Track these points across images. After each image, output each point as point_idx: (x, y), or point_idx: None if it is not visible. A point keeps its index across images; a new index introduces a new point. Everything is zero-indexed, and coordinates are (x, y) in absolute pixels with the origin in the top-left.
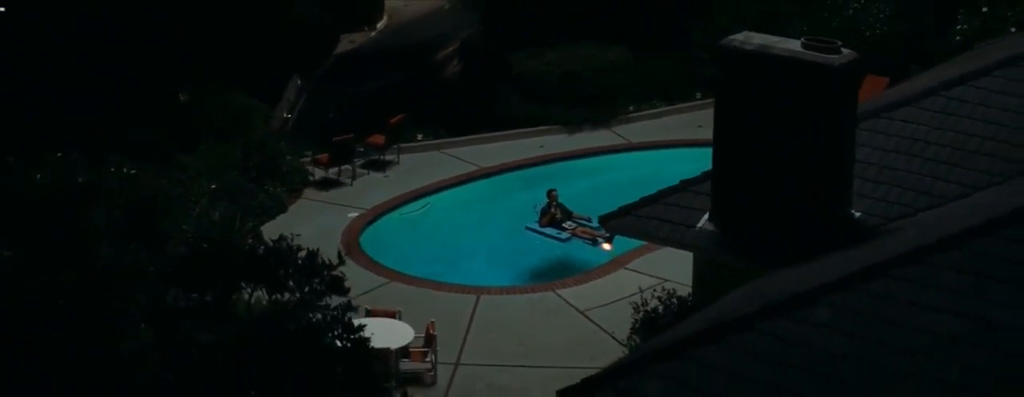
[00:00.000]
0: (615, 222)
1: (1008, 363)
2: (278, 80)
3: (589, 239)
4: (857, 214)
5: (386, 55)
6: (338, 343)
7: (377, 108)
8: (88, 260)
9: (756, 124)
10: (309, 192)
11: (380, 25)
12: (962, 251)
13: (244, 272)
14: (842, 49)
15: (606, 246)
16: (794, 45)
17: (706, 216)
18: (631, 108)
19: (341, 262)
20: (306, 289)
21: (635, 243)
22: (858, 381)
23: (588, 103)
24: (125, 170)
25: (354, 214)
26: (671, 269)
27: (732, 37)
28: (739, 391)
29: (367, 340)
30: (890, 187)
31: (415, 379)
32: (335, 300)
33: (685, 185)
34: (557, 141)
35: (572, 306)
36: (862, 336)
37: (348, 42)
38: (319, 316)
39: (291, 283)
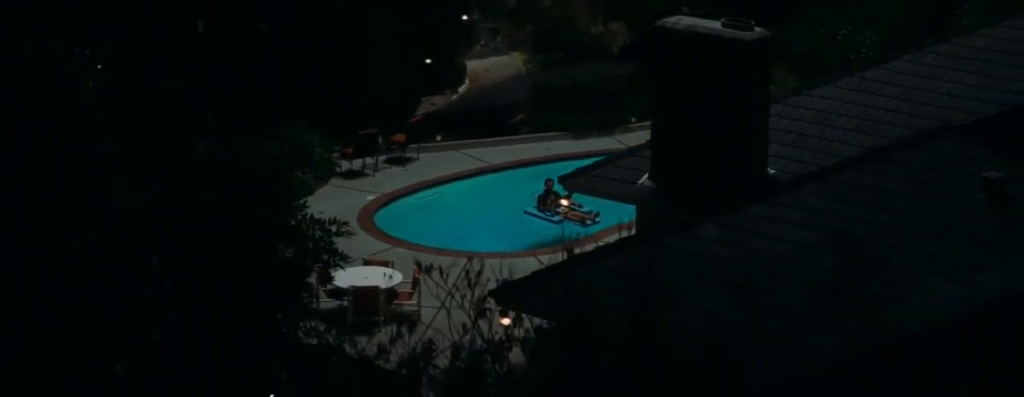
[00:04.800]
0: (572, 181)
1: (849, 265)
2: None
3: (578, 221)
4: (773, 171)
5: (463, 117)
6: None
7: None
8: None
9: (686, 92)
10: (335, 180)
11: (462, 89)
12: (827, 182)
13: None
14: (755, 28)
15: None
16: (715, 25)
17: (646, 175)
18: (633, 119)
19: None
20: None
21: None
22: (732, 279)
23: (595, 114)
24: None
25: (372, 197)
26: None
27: (665, 19)
28: (634, 287)
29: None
30: (804, 150)
31: (404, 317)
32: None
33: (633, 151)
34: (563, 145)
35: None
36: (739, 246)
37: (429, 104)
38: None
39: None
